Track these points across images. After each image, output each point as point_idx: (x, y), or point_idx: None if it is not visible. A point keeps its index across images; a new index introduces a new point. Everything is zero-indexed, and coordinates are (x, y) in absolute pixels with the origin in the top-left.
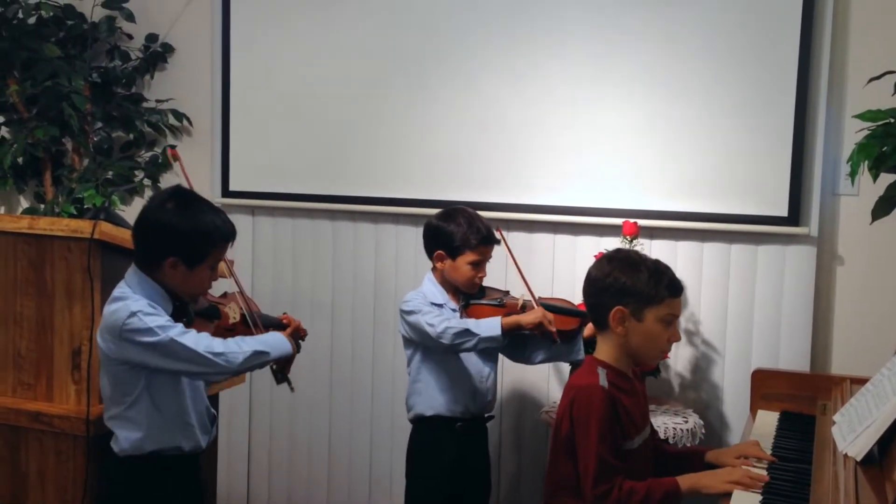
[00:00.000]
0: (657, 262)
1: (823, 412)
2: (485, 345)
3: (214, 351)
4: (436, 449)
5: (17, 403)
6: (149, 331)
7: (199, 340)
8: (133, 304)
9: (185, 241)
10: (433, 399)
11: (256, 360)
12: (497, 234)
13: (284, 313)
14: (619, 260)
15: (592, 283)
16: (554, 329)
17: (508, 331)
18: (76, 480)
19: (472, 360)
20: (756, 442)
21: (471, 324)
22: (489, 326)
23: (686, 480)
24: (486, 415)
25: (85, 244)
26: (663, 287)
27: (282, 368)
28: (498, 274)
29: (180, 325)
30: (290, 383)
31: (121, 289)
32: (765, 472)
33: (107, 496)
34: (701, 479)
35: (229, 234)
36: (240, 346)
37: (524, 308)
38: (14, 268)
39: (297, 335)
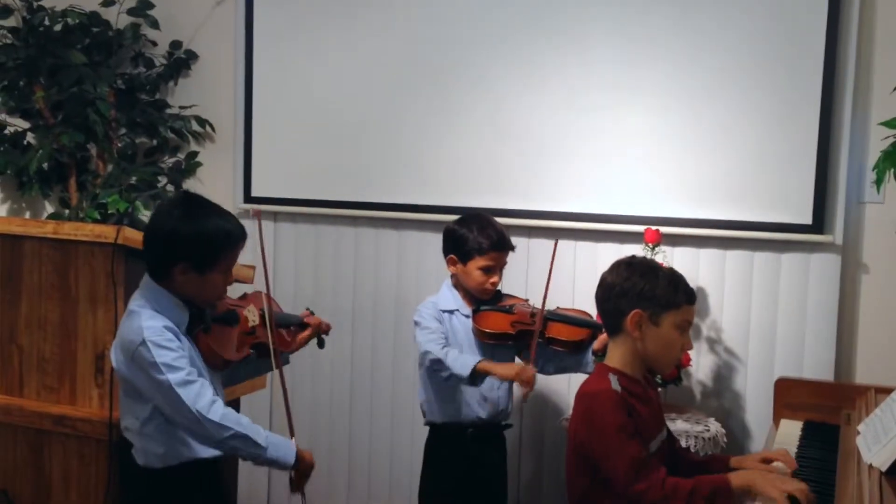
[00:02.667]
0: (672, 270)
1: (848, 422)
2: (456, 381)
3: (206, 416)
4: (448, 455)
5: (41, 407)
6: (154, 366)
7: (199, 397)
8: (147, 328)
9: (193, 247)
10: (443, 406)
11: (244, 446)
12: (553, 247)
13: (307, 308)
14: (637, 265)
15: (609, 288)
16: (529, 389)
17: (479, 375)
18: (98, 484)
19: None
20: (786, 451)
21: (450, 357)
22: (462, 365)
23: (738, 478)
24: (502, 423)
25: (109, 249)
26: (681, 293)
27: (299, 479)
28: (516, 281)
29: (186, 370)
30: (303, 496)
31: (136, 301)
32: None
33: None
34: (756, 479)
35: (238, 237)
36: (237, 423)
37: (533, 317)
38: (39, 272)
39: (319, 332)
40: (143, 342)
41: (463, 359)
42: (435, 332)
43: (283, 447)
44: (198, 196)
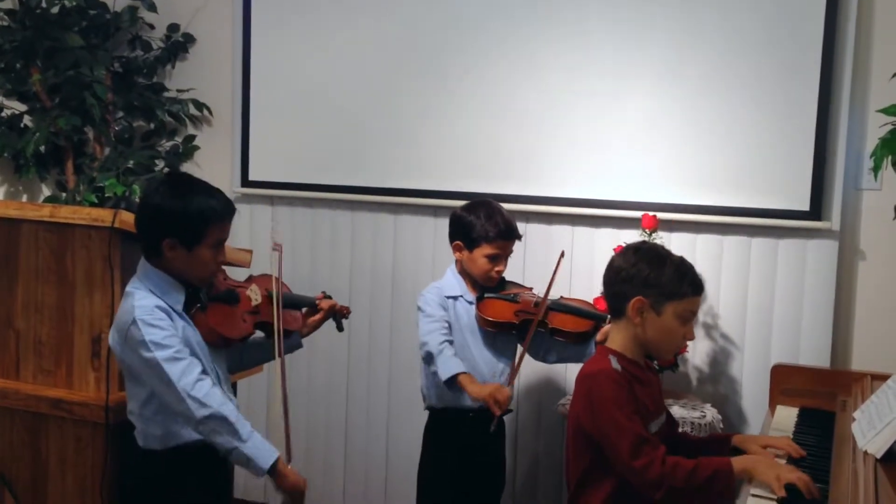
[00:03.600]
0: (682, 259)
1: (843, 409)
2: (440, 380)
3: (190, 392)
4: (448, 439)
5: (38, 390)
6: (143, 344)
7: (184, 374)
8: (138, 307)
9: (178, 222)
10: (443, 392)
11: (222, 429)
12: (559, 257)
13: (322, 292)
14: (646, 252)
15: (616, 273)
16: (499, 412)
17: (456, 386)
18: (95, 467)
19: (484, 356)
20: (789, 439)
21: (443, 354)
22: (447, 369)
23: (740, 462)
24: None
25: (105, 233)
26: (686, 283)
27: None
28: (514, 266)
29: (174, 349)
30: None
31: (132, 283)
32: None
33: (132, 486)
34: (757, 465)
35: (223, 212)
36: (219, 405)
37: (537, 306)
38: (35, 256)
39: (335, 315)
40: (134, 321)
41: (451, 363)
42: (438, 321)
43: (265, 449)
44: (184, 174)
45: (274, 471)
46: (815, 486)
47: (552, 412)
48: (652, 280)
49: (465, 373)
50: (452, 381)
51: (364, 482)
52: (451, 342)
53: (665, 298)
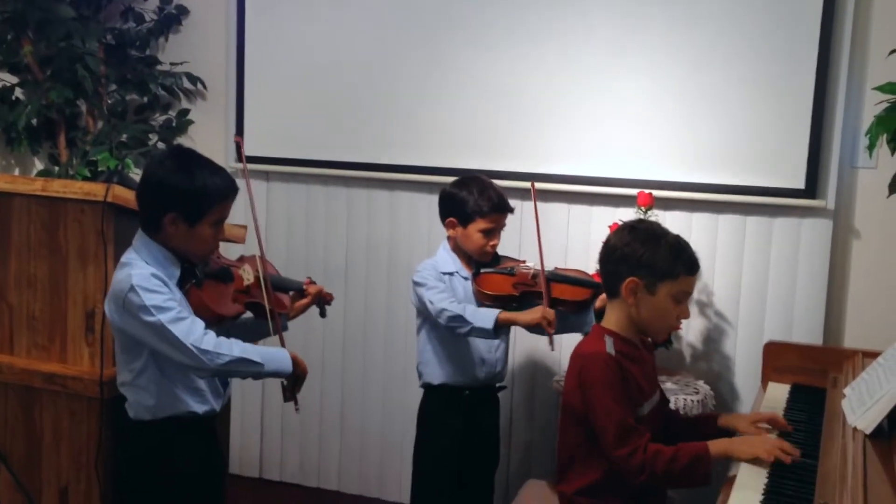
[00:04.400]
0: (678, 238)
1: (834, 385)
2: (478, 335)
3: (200, 346)
4: (444, 416)
5: (32, 364)
6: (144, 309)
7: (190, 331)
8: (135, 275)
9: (183, 197)
10: (441, 368)
11: (243, 367)
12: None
13: (308, 278)
14: (641, 231)
15: (610, 252)
16: (552, 330)
17: (503, 326)
18: (90, 441)
19: None
20: (776, 414)
21: (468, 312)
22: (484, 318)
23: (716, 445)
24: (497, 385)
25: (98, 207)
26: (681, 263)
27: (292, 387)
28: (512, 243)
29: (176, 310)
30: (296, 403)
31: (127, 254)
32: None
33: (124, 459)
34: (732, 444)
35: (227, 191)
36: (230, 349)
37: (535, 278)
38: (28, 230)
39: (322, 301)
40: (132, 288)
41: (482, 312)
42: (444, 291)
43: (279, 359)
44: (190, 149)
45: (295, 368)
46: (791, 448)
47: (546, 388)
48: (645, 260)
49: (501, 311)
50: (497, 325)
51: (359, 460)
52: None
53: (658, 279)
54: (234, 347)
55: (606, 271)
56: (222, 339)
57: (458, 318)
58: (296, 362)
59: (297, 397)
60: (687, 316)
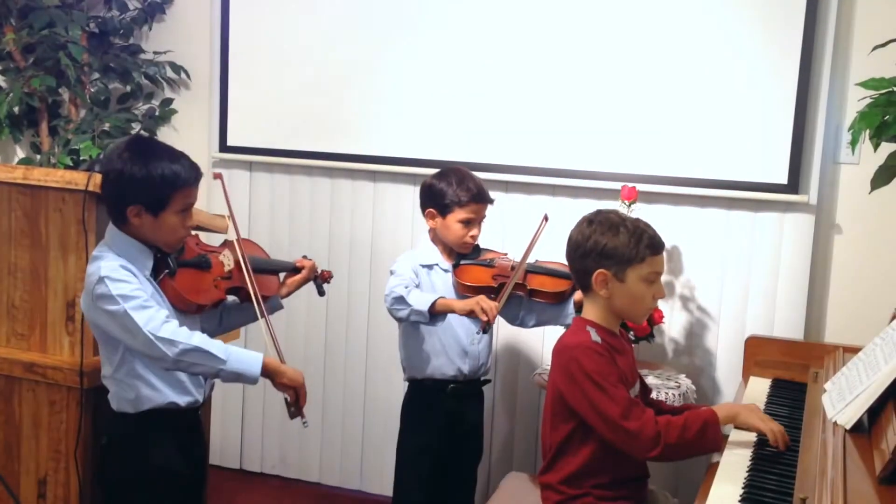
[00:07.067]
0: (637, 221)
1: (815, 380)
2: (416, 318)
3: (157, 334)
4: (428, 409)
5: (11, 353)
6: (110, 298)
7: (149, 319)
8: (104, 267)
9: (142, 188)
10: (424, 362)
11: (201, 360)
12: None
13: (304, 256)
14: (599, 222)
15: (574, 248)
16: (486, 318)
17: (439, 312)
18: (69, 431)
19: (463, 323)
20: (756, 406)
21: (411, 295)
22: (421, 301)
23: (723, 409)
24: (481, 378)
25: (79, 196)
26: (644, 246)
27: (295, 402)
28: (494, 236)
29: (142, 299)
30: (303, 417)
31: (99, 248)
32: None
33: (107, 448)
34: (740, 411)
35: (188, 177)
36: (188, 338)
37: (513, 269)
38: (8, 218)
39: (319, 280)
40: (101, 279)
41: (424, 296)
42: (405, 280)
43: (246, 360)
44: (148, 138)
45: (267, 373)
46: (787, 437)
47: (528, 382)
48: (608, 251)
49: (441, 297)
50: (433, 310)
51: (340, 452)
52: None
53: (625, 265)
54: (194, 337)
55: (574, 268)
56: (184, 328)
57: (400, 300)
58: (274, 370)
59: (303, 411)
60: (662, 295)
